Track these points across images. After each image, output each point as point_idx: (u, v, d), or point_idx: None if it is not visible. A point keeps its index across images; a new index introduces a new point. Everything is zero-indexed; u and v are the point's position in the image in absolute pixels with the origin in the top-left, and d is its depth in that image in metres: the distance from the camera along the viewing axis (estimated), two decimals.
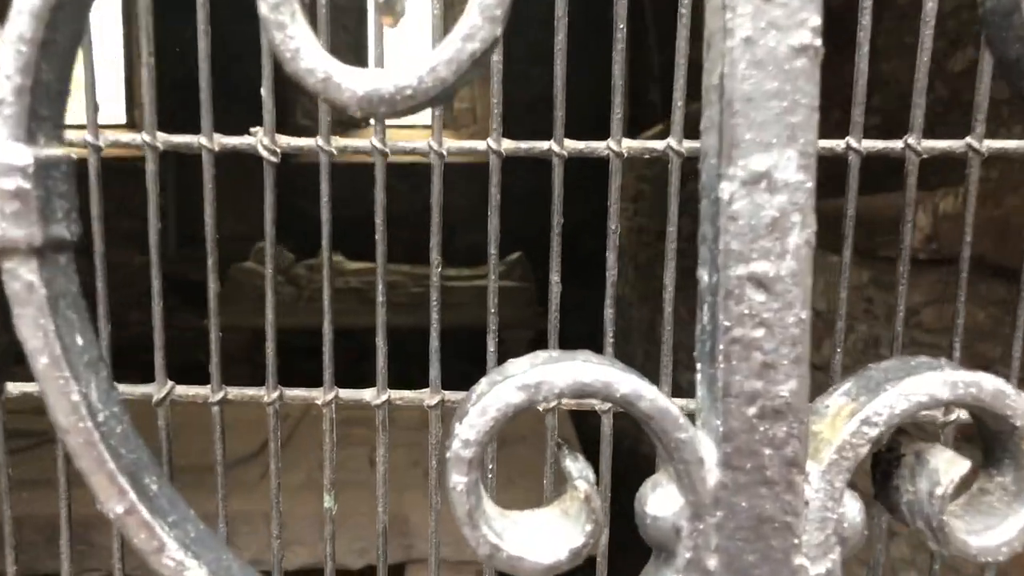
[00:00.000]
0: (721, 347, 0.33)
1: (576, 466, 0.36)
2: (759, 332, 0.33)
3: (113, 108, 7.83)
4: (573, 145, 0.92)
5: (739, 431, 0.33)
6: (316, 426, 4.28)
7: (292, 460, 3.07)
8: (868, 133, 0.89)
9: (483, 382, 0.34)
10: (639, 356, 5.43)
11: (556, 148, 0.90)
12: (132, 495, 0.33)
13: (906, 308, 2.05)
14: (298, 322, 5.72)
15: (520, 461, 3.16)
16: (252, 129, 0.88)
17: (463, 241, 6.56)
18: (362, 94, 0.31)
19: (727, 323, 0.33)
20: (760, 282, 0.32)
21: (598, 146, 0.90)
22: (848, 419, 0.34)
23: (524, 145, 0.92)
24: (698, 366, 0.35)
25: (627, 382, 0.34)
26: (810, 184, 0.32)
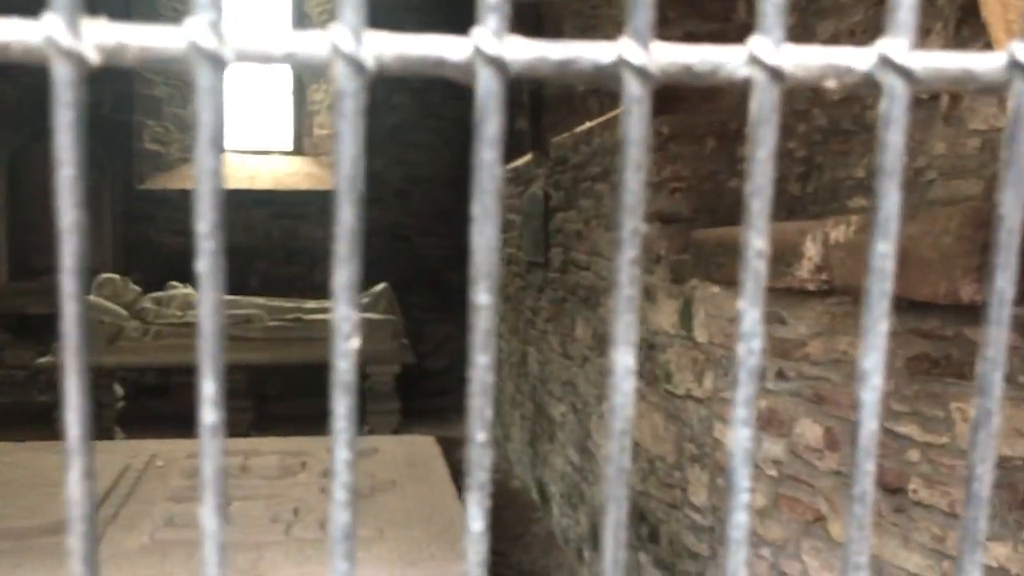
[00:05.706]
0: None
1: None
2: None
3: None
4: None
5: None
6: (164, 478, 4.03)
7: (134, 517, 2.64)
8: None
9: None
10: (509, 389, 5.45)
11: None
12: None
13: (793, 340, 2.06)
14: (145, 360, 5.38)
15: (389, 511, 2.81)
16: None
17: (324, 273, 6.41)
18: None
19: None
20: None
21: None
22: None
23: None
24: None
25: None
26: None
